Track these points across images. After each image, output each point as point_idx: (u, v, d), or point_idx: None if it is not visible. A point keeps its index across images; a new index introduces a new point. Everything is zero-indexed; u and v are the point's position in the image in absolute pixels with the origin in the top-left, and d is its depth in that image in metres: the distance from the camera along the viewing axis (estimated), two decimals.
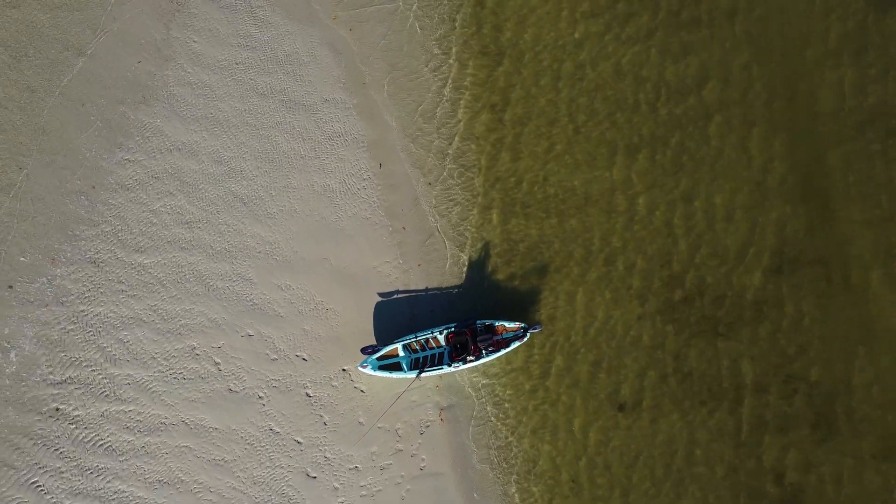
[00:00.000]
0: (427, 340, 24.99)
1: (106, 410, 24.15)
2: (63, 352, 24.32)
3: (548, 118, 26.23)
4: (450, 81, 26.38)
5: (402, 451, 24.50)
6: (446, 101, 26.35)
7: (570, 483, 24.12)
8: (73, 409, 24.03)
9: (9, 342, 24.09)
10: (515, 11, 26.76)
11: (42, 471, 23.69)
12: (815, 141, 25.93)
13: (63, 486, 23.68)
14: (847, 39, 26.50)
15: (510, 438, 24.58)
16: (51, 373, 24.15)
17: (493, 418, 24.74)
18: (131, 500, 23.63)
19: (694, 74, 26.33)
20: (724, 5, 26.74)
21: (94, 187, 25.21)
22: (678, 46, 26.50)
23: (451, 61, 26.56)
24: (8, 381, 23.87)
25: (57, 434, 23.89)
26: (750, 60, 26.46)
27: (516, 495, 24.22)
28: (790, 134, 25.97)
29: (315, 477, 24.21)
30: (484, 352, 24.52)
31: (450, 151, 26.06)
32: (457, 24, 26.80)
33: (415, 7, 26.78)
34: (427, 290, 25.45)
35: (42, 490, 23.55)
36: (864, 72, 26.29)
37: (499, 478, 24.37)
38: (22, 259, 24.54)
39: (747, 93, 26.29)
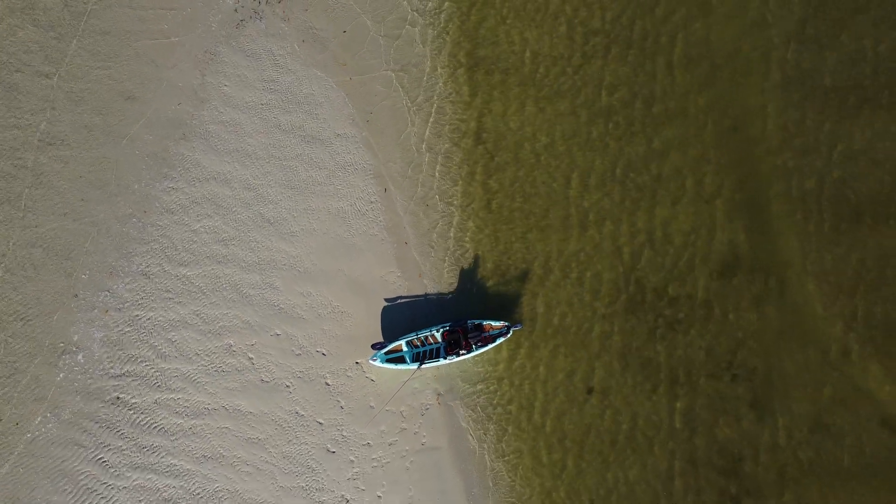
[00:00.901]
0: (426, 337, 29.04)
1: (158, 398, 28.64)
2: (121, 350, 28.79)
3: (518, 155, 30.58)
4: (428, 130, 30.65)
5: (406, 429, 28.93)
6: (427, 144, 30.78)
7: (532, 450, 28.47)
8: (131, 398, 28.54)
9: (77, 346, 28.61)
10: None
11: (106, 448, 28.19)
12: (753, 165, 30.22)
13: (124, 461, 28.18)
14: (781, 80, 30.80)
15: (493, 418, 28.97)
16: (111, 367, 28.64)
17: (480, 402, 29.13)
18: (181, 472, 28.15)
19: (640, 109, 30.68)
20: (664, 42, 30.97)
21: (144, 212, 29.63)
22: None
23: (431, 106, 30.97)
24: (78, 376, 28.41)
25: (118, 418, 28.39)
26: (694, 91, 30.74)
27: (499, 464, 28.67)
28: (734, 162, 30.24)
29: (334, 452, 28.68)
30: (474, 346, 28.62)
31: (437, 183, 30.45)
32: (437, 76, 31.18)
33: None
34: (425, 295, 29.78)
35: (106, 464, 28.08)
36: (788, 99, 30.51)
37: (484, 451, 28.78)
38: (83, 276, 29.08)
39: (693, 122, 30.59)
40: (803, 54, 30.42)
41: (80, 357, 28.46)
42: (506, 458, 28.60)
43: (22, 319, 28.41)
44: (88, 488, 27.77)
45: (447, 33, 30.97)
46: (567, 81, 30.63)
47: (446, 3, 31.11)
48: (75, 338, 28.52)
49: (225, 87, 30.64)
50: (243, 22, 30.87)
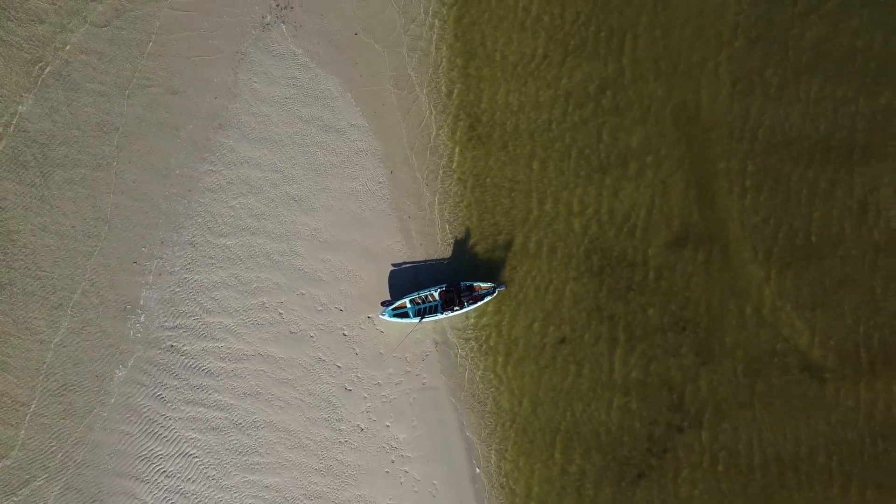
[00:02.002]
0: (426, 296, 34.63)
1: (205, 346, 34.59)
2: (173, 307, 34.65)
3: (507, 149, 35.95)
4: (434, 117, 35.97)
5: (409, 371, 34.90)
6: (433, 130, 36.06)
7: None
8: (183, 346, 34.52)
9: (136, 304, 34.48)
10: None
11: (163, 387, 34.27)
12: (705, 150, 35.48)
13: (178, 397, 34.28)
14: (731, 67, 35.84)
15: (477, 362, 34.96)
16: (166, 321, 34.55)
17: (470, 348, 35.06)
18: (225, 406, 34.26)
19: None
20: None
21: (189, 191, 35.15)
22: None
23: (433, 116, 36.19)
24: (140, 329, 34.37)
25: (172, 363, 34.41)
26: (651, 83, 35.84)
27: (486, 397, 34.75)
28: (689, 149, 35.51)
29: (350, 390, 34.74)
30: (466, 303, 34.28)
31: (435, 166, 35.84)
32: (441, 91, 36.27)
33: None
34: (425, 261, 35.39)
35: (163, 399, 34.21)
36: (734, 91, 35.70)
37: (472, 388, 34.83)
38: (143, 249, 34.78)
39: (649, 113, 35.77)
40: (746, 52, 35.44)
41: (139, 312, 34.36)
42: (489, 389, 34.64)
43: (90, 282, 34.19)
44: (150, 419, 33.97)
45: (442, 40, 36.02)
46: (547, 77, 35.76)
47: (437, 21, 36.12)
48: (135, 297, 34.38)
49: (254, 84, 35.81)
50: (269, 26, 35.89)
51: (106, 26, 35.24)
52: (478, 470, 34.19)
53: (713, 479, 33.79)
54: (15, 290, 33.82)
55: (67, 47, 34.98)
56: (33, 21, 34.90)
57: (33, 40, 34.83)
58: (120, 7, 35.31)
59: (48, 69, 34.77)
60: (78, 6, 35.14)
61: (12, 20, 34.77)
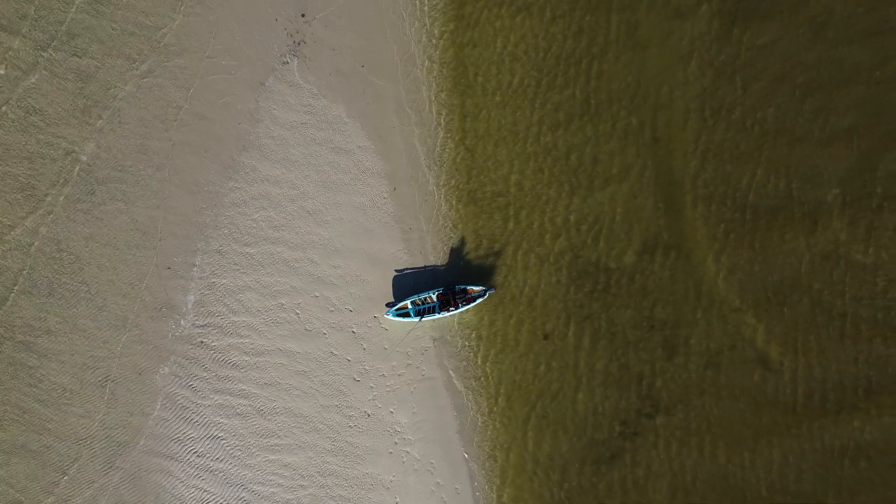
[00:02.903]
0: (425, 298, 38.97)
1: (231, 342, 39.29)
2: (203, 307, 39.33)
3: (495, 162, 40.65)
4: (425, 144, 40.67)
5: (410, 364, 39.53)
6: (439, 143, 40.74)
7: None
8: (211, 342, 39.20)
9: (170, 304, 39.18)
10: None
11: (194, 377, 38.95)
12: (670, 170, 40.05)
13: (207, 387, 38.95)
14: (699, 98, 40.40)
15: (470, 356, 39.55)
16: (196, 320, 39.24)
17: (462, 345, 39.73)
18: (249, 395, 38.97)
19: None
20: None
21: (216, 205, 39.82)
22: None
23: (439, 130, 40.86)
24: (174, 328, 39.10)
25: (202, 356, 39.10)
26: (623, 106, 40.43)
27: (476, 384, 39.36)
28: (657, 163, 40.09)
29: (359, 380, 39.40)
30: (460, 304, 38.70)
31: (432, 185, 40.50)
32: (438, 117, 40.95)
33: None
34: (425, 267, 40.00)
35: (194, 388, 38.88)
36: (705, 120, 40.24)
37: (465, 372, 39.47)
38: (175, 259, 39.51)
39: (626, 133, 40.37)
40: (716, 84, 40.06)
41: (173, 312, 39.10)
42: (480, 380, 39.30)
43: (130, 285, 38.93)
44: (182, 405, 38.68)
45: (432, 74, 40.74)
46: (523, 104, 40.44)
47: (436, 65, 40.82)
48: (170, 299, 39.11)
49: (274, 110, 40.47)
50: (286, 61, 40.58)
51: (148, 75, 39.91)
52: (466, 455, 38.85)
53: (678, 458, 38.36)
54: (65, 293, 38.51)
55: (117, 100, 39.60)
56: (82, 81, 39.34)
57: (87, 95, 39.29)
58: (168, 63, 39.86)
59: (102, 120, 39.28)
60: (123, 66, 39.89)
61: (70, 80, 39.40)
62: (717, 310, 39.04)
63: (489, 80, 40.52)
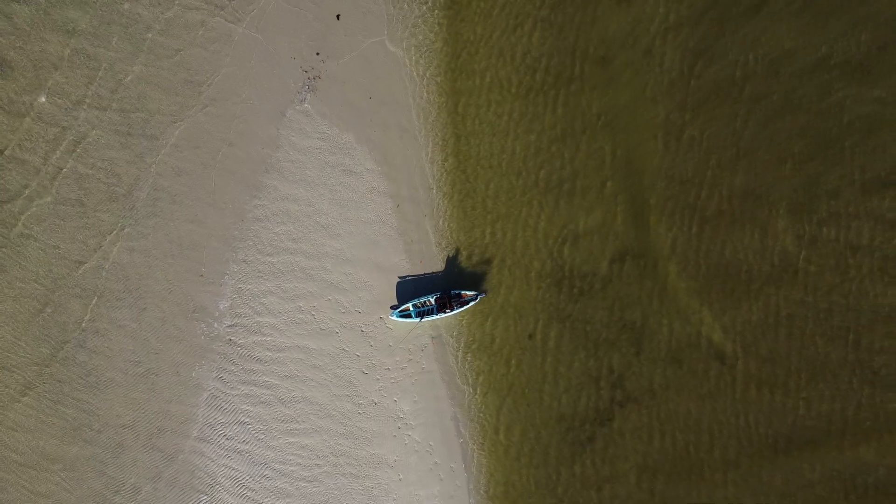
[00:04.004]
0: (425, 301, 44.44)
1: (255, 340, 44.96)
2: (231, 310, 44.97)
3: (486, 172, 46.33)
4: (427, 166, 46.35)
5: (412, 359, 45.22)
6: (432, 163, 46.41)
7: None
8: (239, 339, 44.87)
9: (201, 307, 44.86)
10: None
11: (223, 370, 44.55)
12: (640, 188, 45.66)
13: (235, 378, 44.57)
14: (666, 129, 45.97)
15: (460, 353, 45.25)
16: (225, 320, 44.99)
17: (454, 342, 45.41)
18: (272, 385, 44.57)
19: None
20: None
21: (242, 220, 45.48)
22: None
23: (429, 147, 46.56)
24: (206, 328, 44.79)
25: (231, 353, 44.75)
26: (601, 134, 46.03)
27: (469, 375, 45.03)
28: (627, 179, 45.68)
29: (367, 373, 45.09)
30: (456, 307, 44.37)
31: (432, 201, 46.13)
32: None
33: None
34: (424, 274, 45.61)
35: (224, 380, 44.51)
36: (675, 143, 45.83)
37: (460, 366, 45.13)
38: (203, 269, 45.19)
39: (601, 155, 45.95)
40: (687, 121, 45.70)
41: (205, 315, 44.81)
42: (473, 373, 44.98)
43: (168, 290, 44.63)
44: (213, 395, 44.37)
45: (431, 102, 46.45)
46: (514, 129, 46.14)
47: (436, 99, 46.49)
48: (202, 302, 44.82)
49: (292, 137, 46.08)
50: (302, 94, 46.26)
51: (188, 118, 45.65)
52: (461, 439, 44.55)
53: (647, 443, 44.02)
54: (111, 297, 44.23)
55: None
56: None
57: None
58: (207, 108, 45.67)
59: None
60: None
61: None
62: (679, 311, 44.56)
63: (479, 114, 46.22)
